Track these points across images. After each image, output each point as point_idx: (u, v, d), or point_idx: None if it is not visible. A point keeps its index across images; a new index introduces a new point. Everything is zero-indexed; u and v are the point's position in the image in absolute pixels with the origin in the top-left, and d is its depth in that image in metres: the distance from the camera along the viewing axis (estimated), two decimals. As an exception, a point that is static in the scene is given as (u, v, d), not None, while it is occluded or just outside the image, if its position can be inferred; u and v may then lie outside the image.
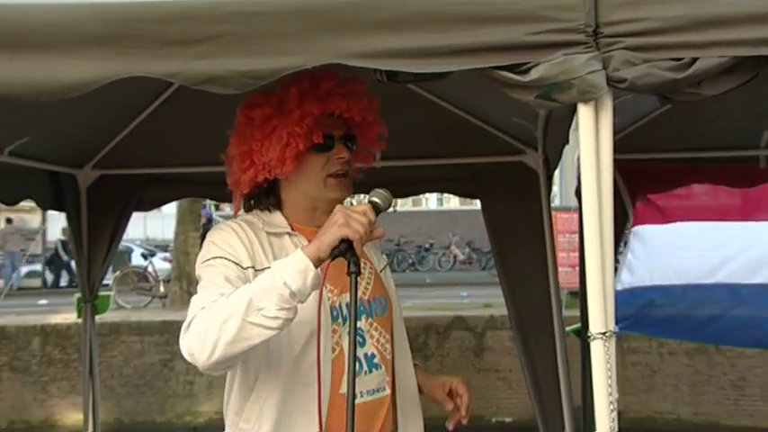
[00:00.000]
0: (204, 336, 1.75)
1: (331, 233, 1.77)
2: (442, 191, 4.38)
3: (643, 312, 4.11)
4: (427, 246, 22.05)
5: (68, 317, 10.30)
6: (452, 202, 25.94)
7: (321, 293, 1.77)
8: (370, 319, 2.07)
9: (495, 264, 3.89)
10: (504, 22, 1.52)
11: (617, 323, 1.62)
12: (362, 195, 2.04)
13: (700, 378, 10.45)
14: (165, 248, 20.02)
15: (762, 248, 4.10)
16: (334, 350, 1.97)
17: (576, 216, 3.54)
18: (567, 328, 3.67)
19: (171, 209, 15.00)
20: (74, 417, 9.57)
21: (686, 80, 1.49)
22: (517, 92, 1.55)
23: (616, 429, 1.57)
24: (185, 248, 13.95)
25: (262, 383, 1.99)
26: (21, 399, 10.44)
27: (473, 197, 4.11)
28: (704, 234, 4.18)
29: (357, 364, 1.97)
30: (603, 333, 1.57)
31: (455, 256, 21.50)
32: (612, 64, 1.51)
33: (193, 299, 1.88)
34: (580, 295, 1.88)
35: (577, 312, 3.54)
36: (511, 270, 3.74)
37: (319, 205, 2.03)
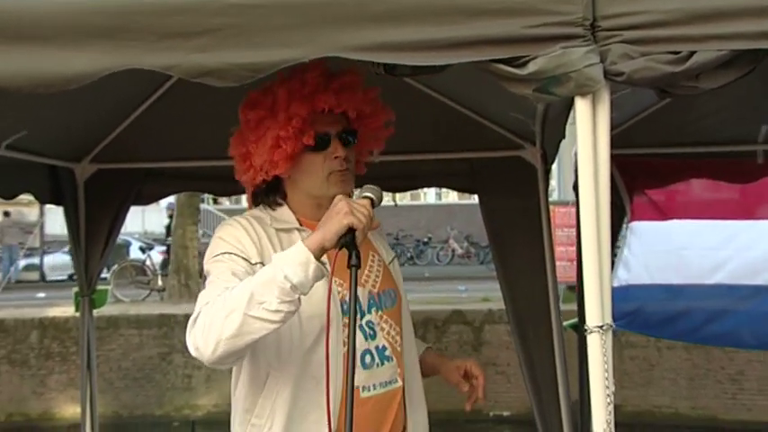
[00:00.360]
0: (208, 331, 1.76)
1: (336, 221, 1.77)
2: (440, 185, 4.37)
3: (640, 310, 4.11)
4: (425, 240, 22.06)
5: (66, 310, 10.31)
6: (451, 196, 25.92)
7: (330, 287, 1.77)
8: (380, 312, 2.07)
9: (493, 258, 3.89)
10: (502, 15, 1.52)
11: (613, 320, 1.62)
12: (357, 190, 2.05)
13: (698, 372, 10.47)
14: (163, 242, 20.02)
15: (762, 249, 4.11)
16: (345, 344, 1.96)
17: (573, 210, 3.54)
18: (565, 323, 3.67)
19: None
20: (72, 410, 9.58)
21: (684, 73, 1.49)
22: (515, 85, 1.55)
23: (612, 423, 1.58)
24: (184, 242, 13.95)
25: (273, 379, 1.99)
26: (19, 392, 10.46)
27: (471, 192, 4.11)
28: (704, 233, 4.19)
29: (369, 357, 2.01)
30: (600, 327, 1.58)
31: (453, 251, 21.50)
32: (610, 57, 1.51)
33: (200, 294, 1.88)
34: (577, 289, 1.88)
35: (576, 307, 3.55)
36: (509, 264, 3.74)
37: (323, 202, 2.01)
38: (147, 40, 1.57)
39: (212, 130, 3.62)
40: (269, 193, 2.11)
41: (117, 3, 1.59)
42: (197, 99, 3.04)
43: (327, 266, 1.80)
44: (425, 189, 21.22)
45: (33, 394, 10.49)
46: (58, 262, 19.52)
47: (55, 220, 18.45)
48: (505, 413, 9.92)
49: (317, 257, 1.76)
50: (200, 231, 18.99)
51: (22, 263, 19.79)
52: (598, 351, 1.58)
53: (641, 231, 4.20)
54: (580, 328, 1.59)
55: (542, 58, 1.51)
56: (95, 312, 4.21)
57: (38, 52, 1.56)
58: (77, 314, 4.16)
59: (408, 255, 21.01)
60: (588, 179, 1.58)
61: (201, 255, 16.35)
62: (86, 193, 3.94)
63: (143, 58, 1.57)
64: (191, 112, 3.40)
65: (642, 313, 4.12)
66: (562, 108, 2.54)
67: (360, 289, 2.00)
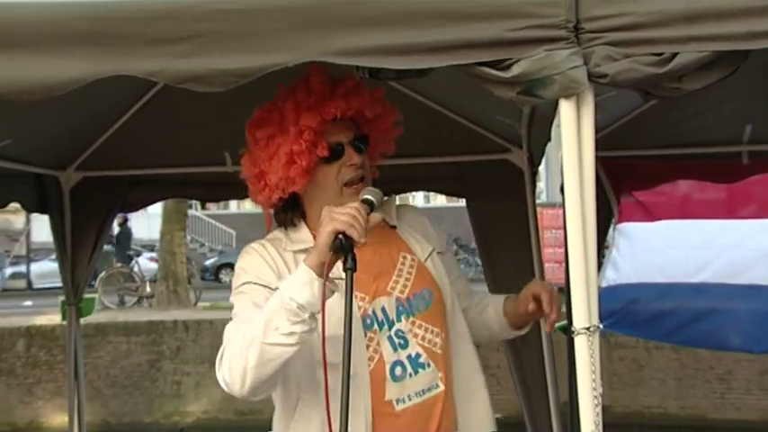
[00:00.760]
0: (233, 366, 1.81)
1: (322, 232, 1.75)
2: (428, 190, 4.38)
3: (627, 310, 4.12)
4: (414, 243, 22.01)
5: (53, 318, 10.25)
6: (439, 199, 25.95)
7: (324, 296, 1.72)
8: (411, 318, 2.02)
9: (481, 260, 3.89)
10: (486, 18, 1.52)
11: (601, 321, 1.63)
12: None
13: (686, 372, 10.53)
14: (151, 248, 19.95)
15: (746, 249, 4.13)
16: (372, 359, 1.95)
17: (561, 212, 3.55)
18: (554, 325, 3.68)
19: (156, 209, 14.95)
20: (59, 419, 9.52)
21: (667, 75, 1.50)
22: (499, 88, 1.55)
23: (600, 425, 1.58)
24: (171, 248, 13.90)
25: (304, 403, 1.99)
26: (6, 401, 10.39)
27: (459, 196, 4.12)
28: (690, 232, 4.20)
29: (399, 369, 1.98)
30: (587, 328, 1.58)
31: (442, 254, 21.48)
32: (594, 59, 1.52)
33: (226, 329, 1.91)
34: (565, 291, 1.88)
35: (564, 309, 3.55)
36: (497, 267, 3.75)
37: None
38: (131, 47, 1.56)
39: (199, 136, 3.64)
40: (287, 211, 2.07)
41: (100, 9, 1.58)
42: (183, 105, 3.03)
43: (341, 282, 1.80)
44: (413, 192, 21.24)
45: (20, 403, 10.43)
46: (45, 270, 19.42)
47: (41, 227, 18.34)
48: (496, 415, 9.86)
49: (320, 274, 1.73)
50: (189, 237, 18.95)
51: (9, 271, 19.70)
52: (585, 352, 1.58)
53: (629, 232, 4.22)
54: (568, 330, 1.59)
55: (526, 61, 1.51)
56: (83, 320, 4.18)
57: (20, 59, 1.55)
58: (65, 322, 4.14)
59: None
60: (574, 181, 1.59)
61: (190, 260, 16.36)
62: (72, 201, 3.92)
63: (127, 64, 1.56)
64: (177, 118, 3.39)
65: (630, 312, 4.13)
66: (548, 111, 2.55)
67: (385, 299, 2.00)
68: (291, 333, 1.74)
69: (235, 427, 10.72)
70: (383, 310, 1.99)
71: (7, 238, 19.09)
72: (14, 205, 4.06)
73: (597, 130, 1.60)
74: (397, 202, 2.36)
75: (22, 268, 20.54)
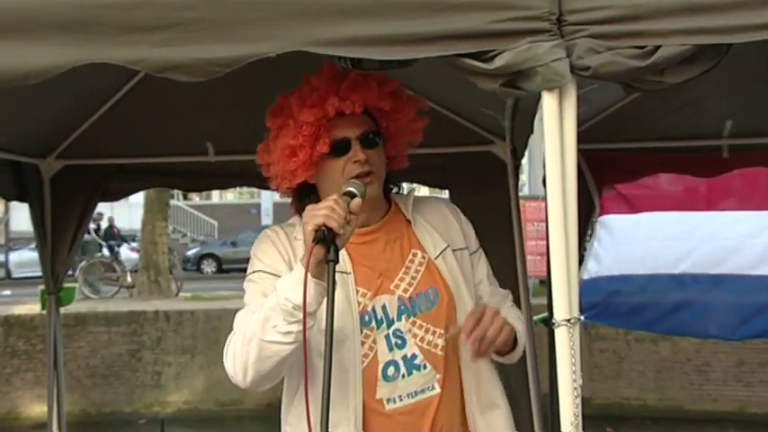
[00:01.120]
0: (236, 359, 1.86)
1: (305, 233, 1.77)
2: (411, 181, 4.38)
3: (609, 301, 4.16)
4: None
5: (33, 308, 10.18)
6: (423, 190, 26.01)
7: (305, 292, 1.71)
8: (412, 318, 1.99)
9: (464, 253, 3.90)
10: (469, 9, 1.52)
11: (582, 312, 1.63)
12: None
13: (665, 364, 10.64)
14: (132, 238, 19.83)
15: (724, 239, 4.18)
16: (367, 356, 1.95)
17: (544, 205, 3.55)
18: (535, 317, 3.70)
19: (138, 198, 14.87)
20: (38, 408, 9.47)
21: (649, 68, 1.50)
22: (482, 80, 1.55)
23: (580, 415, 1.59)
24: (153, 238, 13.84)
25: (303, 390, 1.96)
26: (-16, 391, 10.32)
27: (442, 187, 4.12)
28: (670, 223, 4.25)
29: (392, 369, 1.97)
30: (568, 320, 1.58)
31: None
32: (576, 52, 1.52)
33: (236, 316, 1.94)
34: (546, 283, 1.88)
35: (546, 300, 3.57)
36: (479, 259, 3.75)
37: None
38: (111, 34, 1.54)
39: (182, 125, 3.62)
40: (302, 198, 2.06)
41: (80, -4, 1.56)
42: (166, 94, 3.01)
43: (351, 278, 1.87)
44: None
45: (-1, 393, 10.37)
46: (24, 259, 19.28)
47: (21, 216, 18.18)
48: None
49: (314, 273, 1.73)
50: (170, 227, 18.85)
51: (-13, 260, 19.50)
52: (565, 344, 1.59)
53: (611, 225, 4.25)
54: (549, 322, 1.59)
55: (509, 53, 1.51)
56: (63, 310, 4.16)
57: (-2, 46, 1.53)
58: (44, 312, 4.11)
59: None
60: (555, 174, 1.59)
61: (171, 251, 16.29)
62: (52, 190, 3.88)
63: (107, 52, 1.54)
64: (159, 107, 3.37)
65: (611, 304, 4.17)
66: (531, 103, 2.55)
67: (387, 297, 1.98)
68: (288, 332, 1.76)
69: (215, 417, 10.72)
70: (384, 308, 1.98)
71: (-14, 227, 18.91)
72: (-7, 194, 4.02)
73: (580, 122, 1.60)
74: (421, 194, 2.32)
75: (1, 257, 20.36)
